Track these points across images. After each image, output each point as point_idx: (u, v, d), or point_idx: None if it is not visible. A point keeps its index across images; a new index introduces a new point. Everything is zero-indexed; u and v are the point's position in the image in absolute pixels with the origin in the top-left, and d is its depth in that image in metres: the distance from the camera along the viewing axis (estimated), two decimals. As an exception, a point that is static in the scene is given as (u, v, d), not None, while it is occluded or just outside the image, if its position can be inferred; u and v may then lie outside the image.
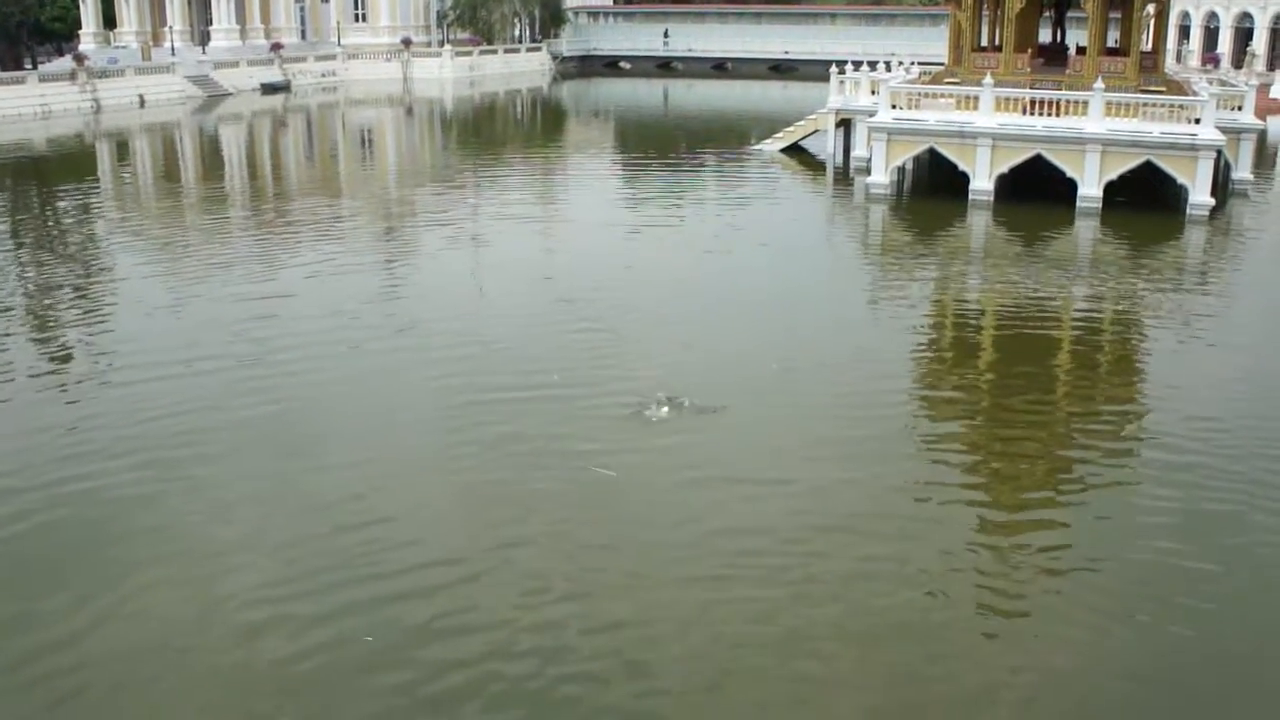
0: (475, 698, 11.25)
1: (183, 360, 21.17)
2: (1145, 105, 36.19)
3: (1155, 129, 35.31)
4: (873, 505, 15.25)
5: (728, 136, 58.42)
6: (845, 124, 47.57)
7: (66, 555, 13.87)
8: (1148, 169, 35.42)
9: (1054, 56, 44.81)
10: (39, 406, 18.98)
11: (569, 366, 20.80)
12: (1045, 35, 50.39)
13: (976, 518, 15.09)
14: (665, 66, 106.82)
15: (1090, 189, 35.58)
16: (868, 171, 39.85)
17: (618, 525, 14.82)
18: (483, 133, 69.00)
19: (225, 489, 15.84)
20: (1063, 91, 37.43)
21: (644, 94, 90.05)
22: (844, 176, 44.76)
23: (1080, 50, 42.81)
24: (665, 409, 18.05)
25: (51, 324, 24.26)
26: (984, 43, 46.31)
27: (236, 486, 15.98)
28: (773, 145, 50.19)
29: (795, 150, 49.72)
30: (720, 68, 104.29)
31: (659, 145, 57.17)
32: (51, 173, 46.61)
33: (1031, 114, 36.92)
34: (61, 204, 38.44)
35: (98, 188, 42.45)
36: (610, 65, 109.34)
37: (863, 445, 17.24)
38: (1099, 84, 36.00)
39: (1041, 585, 13.35)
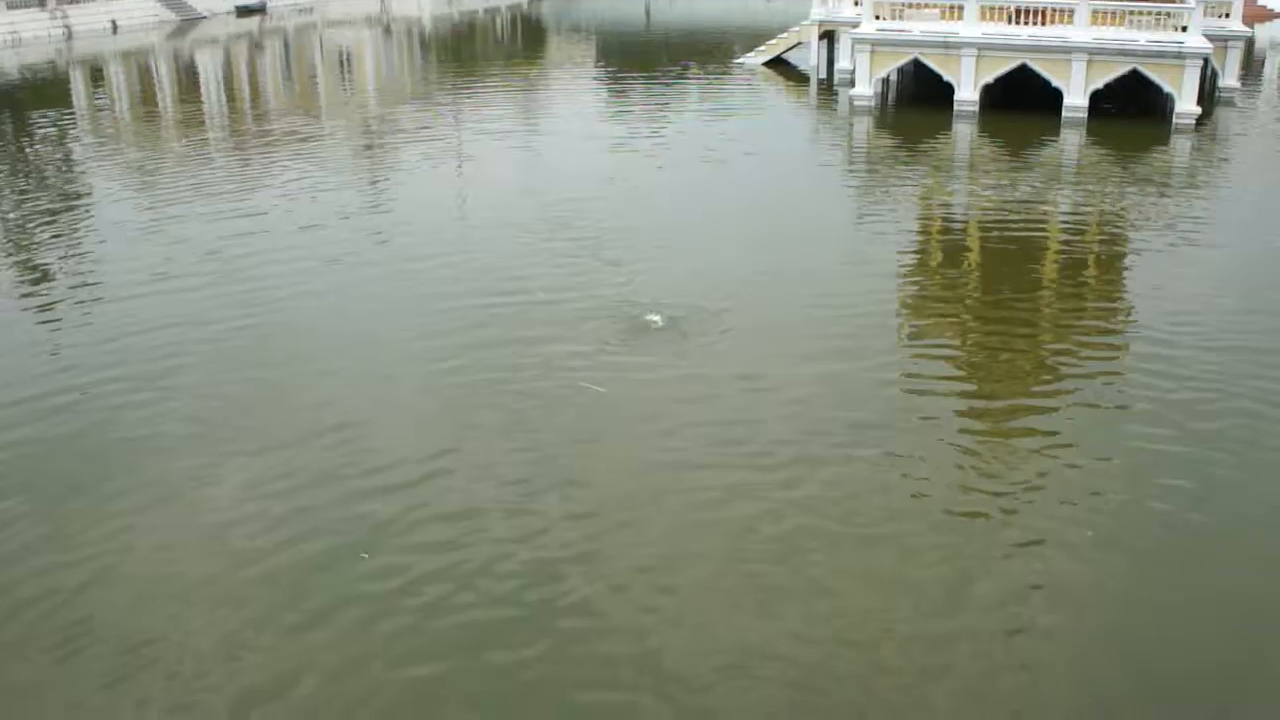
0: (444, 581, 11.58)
1: (160, 277, 21.35)
2: (1132, 13, 35.84)
3: (1142, 37, 35.01)
4: (860, 403, 15.35)
5: (710, 51, 57.74)
6: (829, 36, 47.13)
7: (54, 465, 14.01)
8: (1134, 77, 35.17)
9: (1040, -37, 44.23)
10: (20, 326, 19.00)
11: (551, 276, 20.89)
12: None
13: (962, 413, 15.21)
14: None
15: (1076, 98, 35.34)
16: (852, 84, 39.53)
17: (604, 422, 15.11)
18: (462, 51, 68.14)
19: (206, 398, 15.96)
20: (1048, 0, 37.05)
21: (625, 10, 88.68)
22: (828, 89, 44.41)
23: (1066, -43, 42.27)
24: (655, 316, 18.20)
25: (30, 248, 24.04)
26: (968, -49, 45.64)
27: (217, 395, 16.11)
28: (755, 59, 49.70)
29: (778, 64, 49.28)
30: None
31: (641, 61, 56.53)
32: (25, 101, 45.89)
33: (1017, 23, 36.56)
34: (37, 132, 37.90)
35: (72, 115, 41.81)
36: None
37: (850, 346, 17.28)
38: (1085, -9, 35.64)
39: (1026, 472, 13.50)
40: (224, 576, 11.78)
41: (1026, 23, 36.33)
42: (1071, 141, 33.47)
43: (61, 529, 12.67)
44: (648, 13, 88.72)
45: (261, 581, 11.66)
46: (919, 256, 22.67)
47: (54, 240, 24.67)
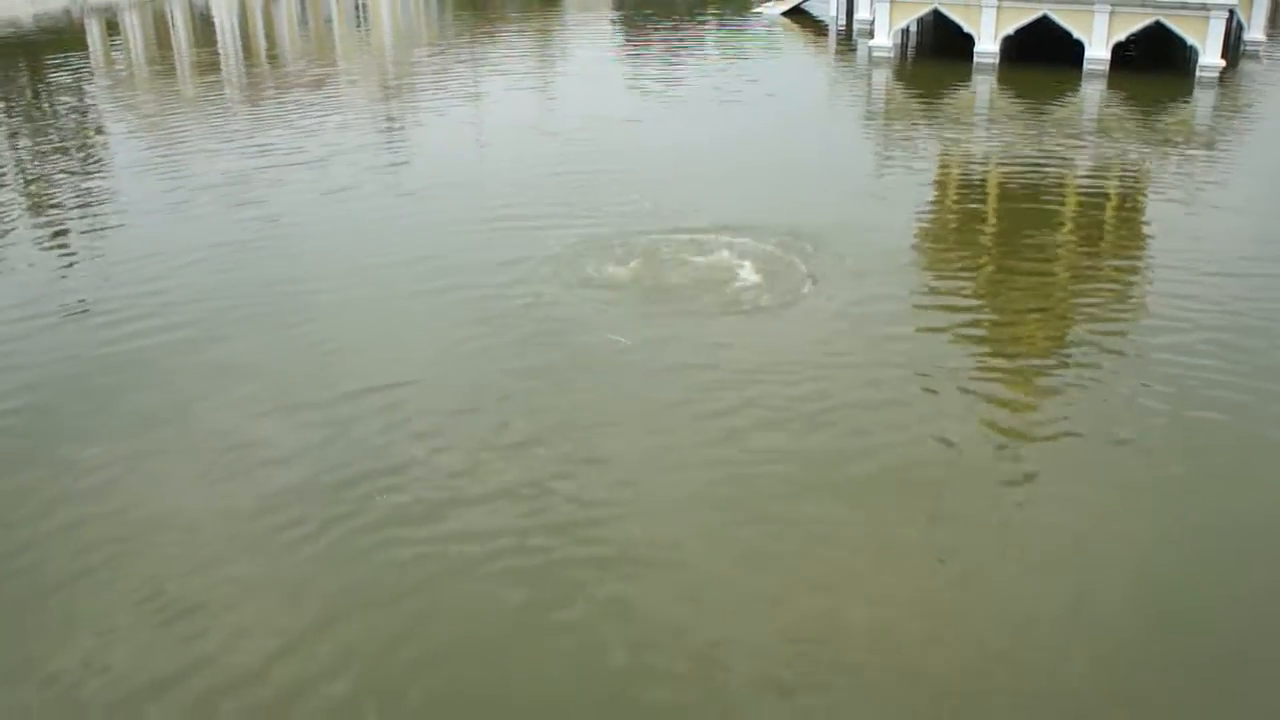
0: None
1: (171, 206, 22.50)
2: (1156, -37, 35.42)
3: (1166, -13, 34.64)
4: (875, 353, 15.41)
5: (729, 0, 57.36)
6: (848, -15, 46.70)
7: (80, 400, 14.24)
8: (1157, 30, 34.84)
9: (1063, -89, 43.63)
10: (40, 275, 19.18)
11: (569, 211, 21.48)
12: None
13: (979, 366, 15.22)
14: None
15: (1098, 50, 35.07)
16: (871, 34, 39.24)
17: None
18: (479, -2, 67.79)
19: (226, 338, 16.29)
20: (1071, -51, 36.59)
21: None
22: (847, 40, 44.12)
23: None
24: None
25: (45, 183, 24.46)
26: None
27: (233, 328, 16.55)
28: (775, 8, 49.32)
29: (797, 13, 48.91)
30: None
31: (659, 8, 56.13)
32: (41, 49, 45.83)
33: (1039, -27, 36.19)
34: (52, 79, 38.02)
35: (88, 63, 41.83)
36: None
37: (866, 298, 17.27)
38: (1109, -59, 35.20)
39: (1046, 426, 13.56)
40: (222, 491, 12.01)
41: (1049, -27, 35.96)
42: (1092, 94, 33.25)
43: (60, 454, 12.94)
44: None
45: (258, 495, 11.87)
46: (935, 207, 22.63)
47: (67, 175, 25.19)
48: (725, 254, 18.82)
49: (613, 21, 54.00)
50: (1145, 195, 23.96)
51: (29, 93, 36.48)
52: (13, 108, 33.14)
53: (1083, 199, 23.37)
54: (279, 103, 33.13)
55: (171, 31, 51.27)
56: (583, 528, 11.57)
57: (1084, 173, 25.28)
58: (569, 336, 15.94)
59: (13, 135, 29.47)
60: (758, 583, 10.73)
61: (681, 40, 44.86)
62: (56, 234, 21.07)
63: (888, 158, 27.45)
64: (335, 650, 9.84)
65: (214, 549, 11.33)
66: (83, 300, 17.67)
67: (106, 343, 16.06)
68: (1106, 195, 23.85)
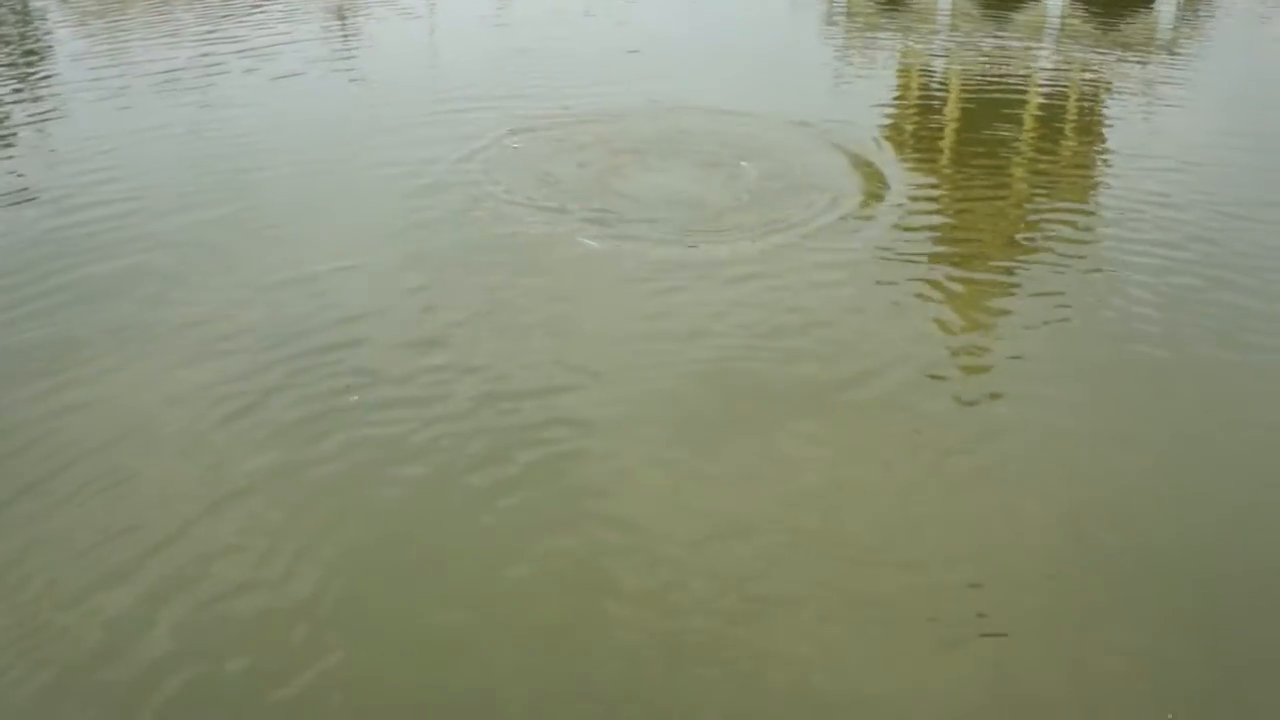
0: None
1: (115, 94, 21.99)
2: None
3: (1130, -110, 34.21)
4: (830, 262, 14.91)
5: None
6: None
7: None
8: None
9: None
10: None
11: (527, 100, 21.30)
12: None
13: (934, 285, 14.74)
14: None
15: (1060, -46, 34.67)
16: (832, -64, 38.62)
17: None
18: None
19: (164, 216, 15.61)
20: None
21: None
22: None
23: None
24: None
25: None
26: None
27: (172, 209, 15.97)
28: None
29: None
30: None
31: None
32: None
33: (1003, -126, 35.65)
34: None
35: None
36: None
37: (823, 201, 16.81)
38: None
39: (1007, 346, 13.28)
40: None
41: (1013, -126, 35.42)
42: (1054, 2, 32.98)
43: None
44: None
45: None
46: (895, 118, 22.44)
47: (7, 68, 24.46)
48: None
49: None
50: (1105, 95, 23.87)
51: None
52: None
53: (1042, 98, 23.28)
54: (222, 6, 32.12)
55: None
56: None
57: (1044, 75, 25.15)
58: (521, 221, 15.72)
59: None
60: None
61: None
62: (1, 124, 20.44)
63: (845, 57, 27.15)
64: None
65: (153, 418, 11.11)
66: (25, 188, 17.19)
67: (52, 230, 15.63)
68: (1066, 95, 23.75)
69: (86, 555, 9.33)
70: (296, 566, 9.29)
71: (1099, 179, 18.82)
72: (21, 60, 25.10)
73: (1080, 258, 15.32)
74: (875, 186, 17.59)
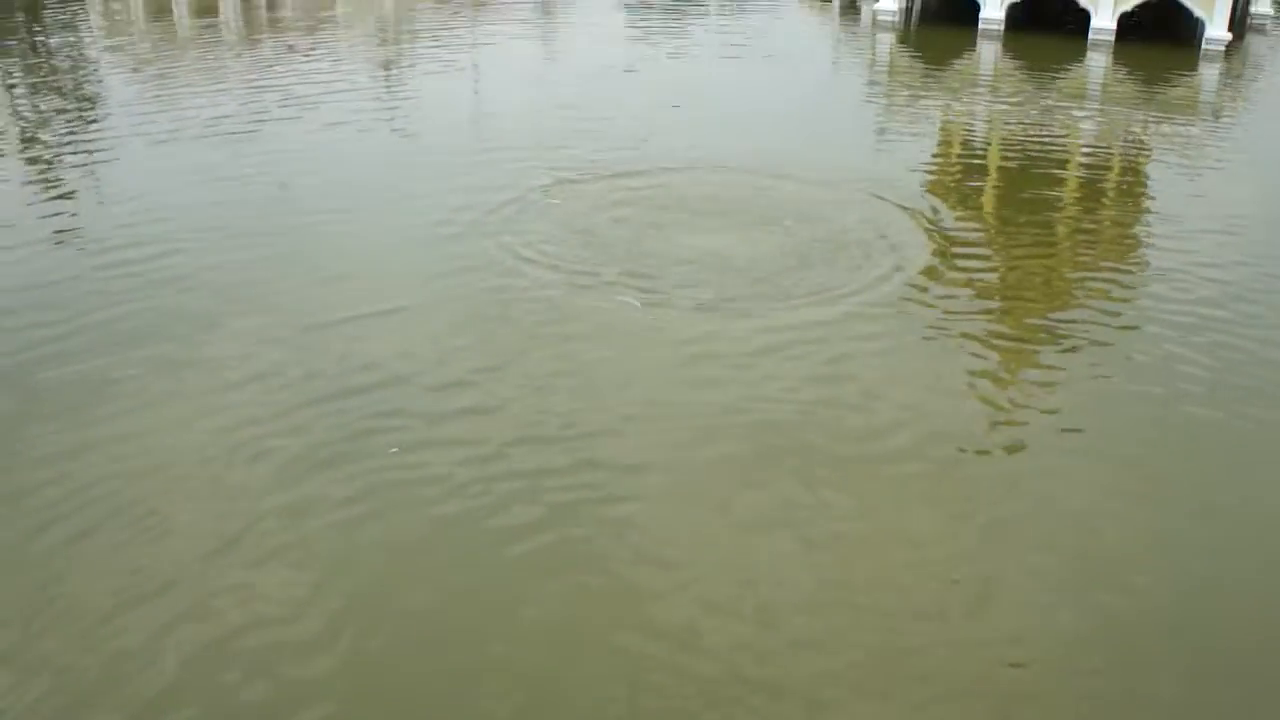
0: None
1: (167, 139, 22.21)
2: (1166, -69, 35.06)
3: (1175, -43, 34.30)
4: (870, 321, 14.85)
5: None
6: (854, -52, 46.19)
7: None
8: (1164, 1, 34.51)
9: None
10: (32, 204, 18.84)
11: (563, 154, 21.38)
12: None
13: (975, 338, 14.72)
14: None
15: (1104, 20, 34.76)
16: (876, -2, 38.87)
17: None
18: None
19: (215, 265, 15.66)
20: (1081, -84, 36.23)
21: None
22: (851, 4, 43.67)
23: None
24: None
25: (42, 124, 24.12)
26: None
27: (221, 254, 16.30)
28: (778, -30, 48.80)
29: (802, -25, 48.40)
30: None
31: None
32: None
33: (1047, -61, 35.84)
34: (50, 21, 37.71)
35: (85, 9, 41.36)
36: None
37: (865, 261, 16.78)
38: (1119, -92, 34.86)
39: (1046, 404, 13.13)
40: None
41: (1057, -60, 35.59)
42: (1098, 65, 32.98)
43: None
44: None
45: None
46: (937, 171, 22.40)
47: (59, 114, 24.89)
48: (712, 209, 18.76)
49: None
50: (1148, 157, 23.77)
51: (24, 33, 36.03)
52: (7, 48, 32.69)
53: (1085, 160, 23.19)
54: (275, 48, 32.79)
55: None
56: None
57: (1087, 138, 25.06)
58: (556, 285, 15.73)
59: (6, 75, 29.11)
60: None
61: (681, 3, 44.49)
62: (49, 166, 20.83)
63: (889, 116, 27.22)
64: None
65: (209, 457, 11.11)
66: (74, 227, 17.45)
67: (99, 268, 15.83)
68: (1109, 156, 23.66)
69: (105, 589, 9.30)
70: (315, 603, 9.23)
71: (1141, 239, 18.65)
72: (75, 105, 25.53)
73: (1121, 317, 15.14)
74: (917, 246, 17.49)
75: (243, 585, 9.51)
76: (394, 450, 11.47)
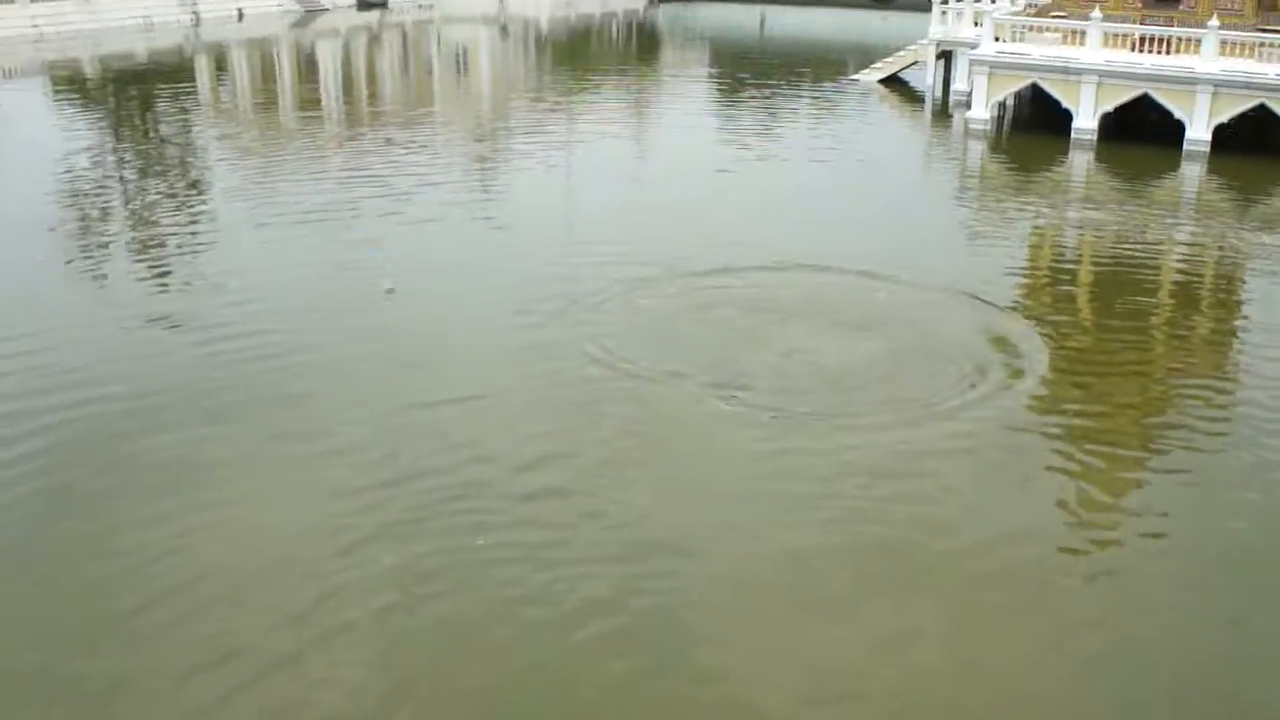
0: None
1: (262, 226, 23.09)
2: (1262, 45, 34.83)
3: (1271, 70, 33.99)
4: (960, 433, 14.72)
5: (825, 65, 57.44)
6: (946, 56, 46.53)
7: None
8: (1261, 112, 34.21)
9: (1168, -9, 43.24)
10: (135, 286, 19.57)
11: (653, 250, 21.56)
12: (1160, -30, 48.63)
13: (1067, 458, 14.45)
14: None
15: (1199, 131, 34.45)
16: (967, 105, 38.95)
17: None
18: (577, 53, 68.61)
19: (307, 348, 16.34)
20: (1174, 28, 36.18)
21: (740, 19, 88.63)
22: (943, 110, 43.89)
23: (1197, -15, 41.29)
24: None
25: (150, 208, 25.08)
26: (1094, -24, 44.84)
27: (314, 340, 16.67)
28: (870, 76, 49.24)
29: (894, 82, 48.78)
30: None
31: (754, 71, 56.42)
32: (153, 82, 47.22)
33: (1140, 51, 35.75)
34: (161, 110, 39.22)
35: (195, 96, 43.03)
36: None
37: (955, 370, 16.64)
38: (1214, 21, 34.73)
39: (1137, 523, 12.93)
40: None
41: (1150, 51, 35.51)
42: (1192, 177, 32.64)
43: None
44: (762, 23, 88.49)
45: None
46: (1029, 276, 22.27)
47: (168, 198, 25.88)
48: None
49: (708, 80, 54.50)
50: (1243, 269, 23.40)
51: (138, 120, 37.60)
52: (122, 134, 34.16)
53: (1179, 270, 22.91)
54: (374, 139, 33.78)
55: (276, 70, 52.55)
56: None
57: (1182, 247, 24.77)
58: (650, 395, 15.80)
59: (120, 159, 30.40)
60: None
61: (774, 101, 45.04)
62: (155, 247, 21.67)
63: (981, 222, 27.15)
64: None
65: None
66: (174, 307, 18.03)
67: (194, 345, 16.38)
68: (1203, 267, 23.35)
69: (187, 677, 9.45)
70: (376, 678, 9.31)
71: (1237, 347, 18.31)
72: (182, 190, 26.51)
73: (1216, 434, 14.83)
74: (1008, 355, 17.35)
75: (305, 657, 9.61)
76: (480, 542, 11.53)
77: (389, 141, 33.42)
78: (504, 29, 78.20)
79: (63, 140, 32.58)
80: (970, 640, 10.40)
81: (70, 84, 46.26)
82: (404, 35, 71.03)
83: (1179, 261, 23.77)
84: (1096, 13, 36.17)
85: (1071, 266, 23.34)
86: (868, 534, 12.05)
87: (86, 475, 12.63)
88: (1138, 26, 36.69)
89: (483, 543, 11.51)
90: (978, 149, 36.68)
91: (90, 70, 50.13)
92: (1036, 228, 26.75)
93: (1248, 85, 33.81)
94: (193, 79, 48.73)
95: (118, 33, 60.97)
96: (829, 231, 24.08)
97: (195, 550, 11.16)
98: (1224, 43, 34.59)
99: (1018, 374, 16.61)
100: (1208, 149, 34.19)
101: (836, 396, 15.42)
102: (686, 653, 9.93)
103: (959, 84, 42.86)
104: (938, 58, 46.68)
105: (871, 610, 10.75)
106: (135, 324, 17.37)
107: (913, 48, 48.97)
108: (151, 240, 22.24)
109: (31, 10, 58.83)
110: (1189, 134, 34.55)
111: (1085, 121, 35.87)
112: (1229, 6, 37.99)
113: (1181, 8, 39.45)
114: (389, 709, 9.03)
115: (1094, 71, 35.44)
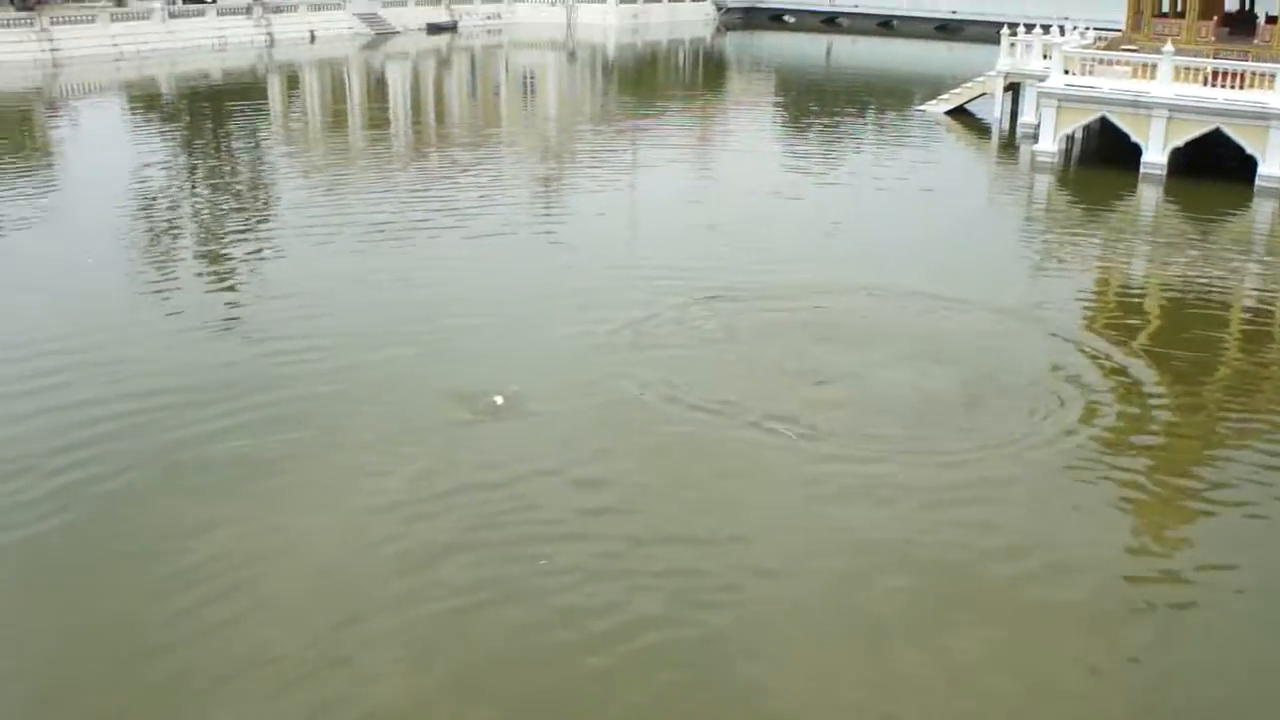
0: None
1: (325, 240, 23.53)
2: (1339, 81, 34.24)
3: (1348, 107, 33.42)
4: (1025, 465, 14.48)
5: (891, 96, 57.32)
6: (1013, 88, 46.18)
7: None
8: (1336, 148, 33.59)
9: (1241, 25, 42.52)
10: (209, 339, 19.70)
11: (708, 277, 21.42)
12: (1232, 2, 47.95)
13: (1128, 499, 14.15)
14: (830, 22, 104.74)
15: (1273, 168, 33.88)
16: (1035, 138, 38.61)
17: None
18: (644, 80, 68.94)
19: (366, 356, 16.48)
20: (1248, 63, 35.64)
21: (807, 49, 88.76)
22: (1010, 142, 43.54)
23: (1270, 19, 40.63)
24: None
25: (220, 223, 25.59)
26: (1165, 8, 44.29)
27: (373, 349, 16.95)
28: (937, 107, 48.99)
29: (961, 113, 48.50)
30: (886, 25, 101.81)
31: (821, 100, 56.40)
32: (227, 100, 48.14)
33: (1212, 85, 35.24)
34: (234, 128, 40.02)
35: (268, 115, 43.81)
36: (774, 18, 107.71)
37: (1023, 403, 16.42)
38: (1290, 56, 34.26)
39: (1199, 554, 12.69)
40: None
41: (1223, 85, 35.00)
42: (1264, 214, 32.08)
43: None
44: (829, 53, 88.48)
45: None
46: (1095, 308, 21.98)
47: (237, 211, 26.53)
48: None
49: (774, 108, 54.51)
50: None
51: (211, 137, 38.33)
52: (194, 149, 34.86)
53: (1247, 306, 22.49)
54: (440, 160, 34.19)
55: (346, 90, 53.32)
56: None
57: (1252, 283, 24.32)
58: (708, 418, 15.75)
59: (193, 173, 31.04)
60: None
61: (840, 130, 45.01)
62: (221, 260, 22.11)
63: (1047, 254, 26.82)
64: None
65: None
66: (237, 318, 18.34)
67: (256, 356, 16.65)
68: (1273, 303, 22.88)
69: (220, 658, 9.66)
70: (417, 682, 9.38)
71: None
72: (250, 205, 27.00)
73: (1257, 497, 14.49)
74: (1075, 386, 17.11)
75: (348, 662, 9.68)
76: (543, 562, 11.52)
77: (454, 162, 33.82)
78: (572, 54, 78.81)
79: (137, 155, 33.32)
80: (1030, 672, 10.26)
81: (147, 101, 47.28)
82: (472, 58, 71.84)
83: (1248, 298, 23.33)
84: (1169, 46, 35.71)
85: (1138, 299, 23.01)
86: (924, 559, 11.96)
87: (147, 476, 12.87)
88: (1211, 61, 36.16)
89: (544, 563, 11.48)
90: (1044, 182, 36.33)
91: (166, 88, 51.24)
92: (1103, 260, 26.40)
93: (1323, 122, 33.24)
94: (265, 98, 49.60)
95: (194, 52, 62.31)
96: (895, 259, 23.90)
97: (238, 556, 11.29)
98: (1298, 77, 34.06)
99: (1081, 404, 16.36)
100: (1281, 185, 33.61)
101: (898, 423, 15.28)
102: (738, 669, 9.90)
103: (1027, 116, 42.50)
104: (1005, 90, 46.34)
105: (925, 642, 10.64)
106: (196, 333, 17.68)
107: (980, 79, 48.66)
108: (217, 253, 22.66)
109: (112, 30, 60.31)
110: (1261, 170, 33.97)
111: (1155, 156, 35.40)
112: (1305, 41, 37.38)
113: (1256, 42, 38.84)
114: (439, 709, 9.11)
115: (1165, 105, 34.97)
